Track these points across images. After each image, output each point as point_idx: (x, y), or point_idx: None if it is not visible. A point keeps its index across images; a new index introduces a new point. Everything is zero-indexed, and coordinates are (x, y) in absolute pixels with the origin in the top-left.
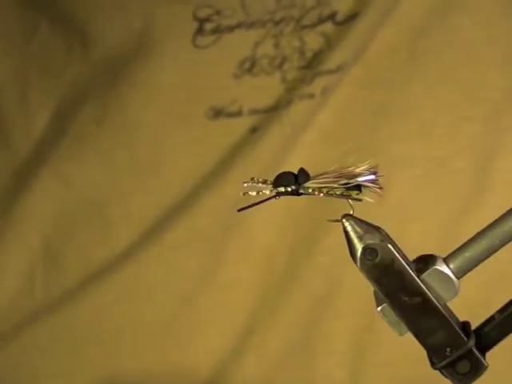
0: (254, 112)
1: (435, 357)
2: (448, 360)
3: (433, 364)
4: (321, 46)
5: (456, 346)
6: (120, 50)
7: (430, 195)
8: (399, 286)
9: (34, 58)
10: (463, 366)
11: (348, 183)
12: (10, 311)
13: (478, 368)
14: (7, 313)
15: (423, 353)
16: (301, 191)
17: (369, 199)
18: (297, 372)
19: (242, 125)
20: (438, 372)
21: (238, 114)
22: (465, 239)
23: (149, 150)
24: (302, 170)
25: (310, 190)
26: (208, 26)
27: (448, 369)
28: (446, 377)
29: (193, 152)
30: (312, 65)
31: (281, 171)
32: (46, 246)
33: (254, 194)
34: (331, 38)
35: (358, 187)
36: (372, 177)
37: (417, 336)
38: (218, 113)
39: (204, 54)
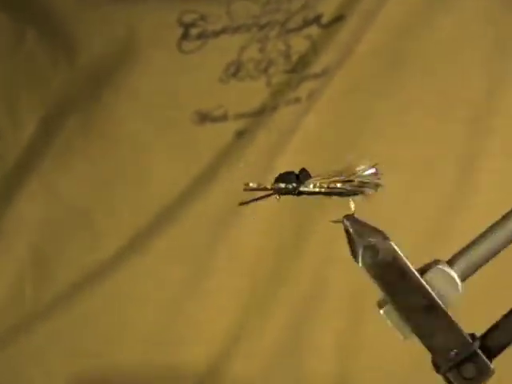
0: (239, 116)
1: (440, 359)
2: (453, 363)
3: (437, 368)
4: (306, 50)
5: (461, 349)
6: (105, 60)
7: (416, 197)
8: (401, 285)
9: (21, 67)
10: (469, 370)
11: (349, 181)
12: (0, 319)
13: (483, 372)
14: None
15: (411, 357)
16: (301, 189)
17: (370, 192)
18: (285, 376)
19: (227, 129)
20: (424, 377)
21: (224, 118)
22: (452, 239)
23: (135, 157)
24: (303, 170)
25: (311, 187)
26: (193, 31)
27: (453, 372)
28: (451, 382)
29: (179, 158)
30: (297, 68)
31: (270, 176)
32: (35, 254)
33: (255, 185)
34: (316, 40)
35: (358, 188)
36: (373, 170)
37: (420, 337)
38: (203, 117)
39: (189, 58)
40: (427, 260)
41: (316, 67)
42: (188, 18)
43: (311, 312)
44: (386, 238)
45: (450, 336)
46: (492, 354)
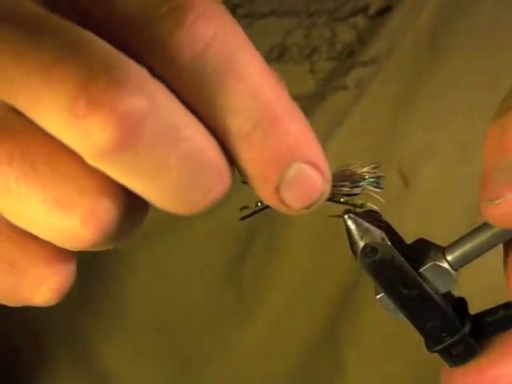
0: None
1: (431, 341)
2: (443, 345)
3: (428, 347)
4: (351, 39)
5: (451, 333)
6: None
7: (454, 183)
8: (397, 280)
9: None
10: (457, 350)
11: (351, 188)
12: None
13: (471, 351)
14: None
15: None
16: None
17: (372, 206)
18: (324, 364)
19: None
20: None
21: None
22: None
23: None
24: None
25: None
26: (240, 11)
27: (443, 352)
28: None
29: None
30: (341, 57)
31: None
32: None
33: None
34: (362, 30)
35: (362, 191)
36: (374, 180)
37: (413, 324)
38: None
39: None
40: None
41: (364, 56)
42: None
43: (348, 302)
44: (383, 239)
45: (442, 323)
46: (480, 335)
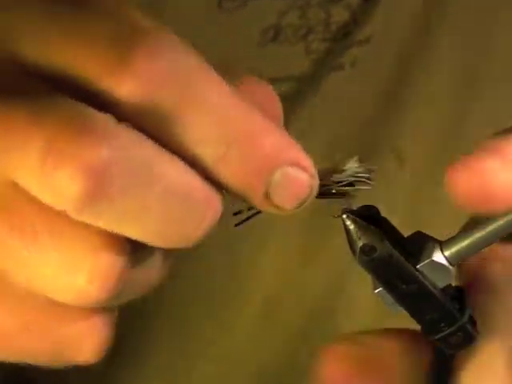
0: (272, 81)
1: (429, 331)
2: (442, 334)
3: (426, 336)
4: (345, 19)
5: (450, 323)
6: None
7: (443, 164)
8: (396, 276)
9: None
10: (456, 339)
11: (340, 181)
12: None
13: (469, 339)
14: None
15: None
16: None
17: (365, 187)
18: (322, 335)
19: None
20: None
21: None
22: None
23: None
24: None
25: None
26: None
27: (440, 341)
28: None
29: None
30: (337, 37)
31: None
32: None
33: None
34: (356, 11)
35: (351, 184)
36: (364, 174)
37: (412, 316)
38: None
39: (229, 17)
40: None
41: (359, 35)
42: None
43: (346, 277)
44: (381, 238)
45: (440, 315)
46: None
